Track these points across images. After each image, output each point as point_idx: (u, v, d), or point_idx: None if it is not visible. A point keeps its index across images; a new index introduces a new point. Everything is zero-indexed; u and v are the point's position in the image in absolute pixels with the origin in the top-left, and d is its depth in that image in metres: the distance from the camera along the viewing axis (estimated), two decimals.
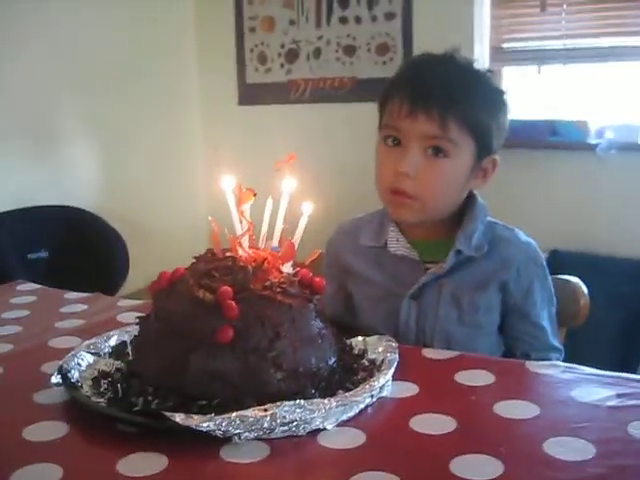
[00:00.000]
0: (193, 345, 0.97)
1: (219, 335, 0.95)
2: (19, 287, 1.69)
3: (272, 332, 0.98)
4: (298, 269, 1.06)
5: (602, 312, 1.60)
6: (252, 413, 0.90)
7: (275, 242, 1.08)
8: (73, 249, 3.02)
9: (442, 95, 1.25)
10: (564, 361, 1.38)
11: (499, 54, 3.32)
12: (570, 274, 1.56)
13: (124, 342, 1.18)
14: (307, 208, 1.07)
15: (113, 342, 1.19)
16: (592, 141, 3.04)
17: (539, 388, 1.08)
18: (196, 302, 0.99)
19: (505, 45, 3.32)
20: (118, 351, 1.16)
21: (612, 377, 1.08)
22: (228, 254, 1.05)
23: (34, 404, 1.04)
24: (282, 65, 3.71)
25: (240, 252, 1.04)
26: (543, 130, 3.11)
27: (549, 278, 1.40)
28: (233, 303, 0.96)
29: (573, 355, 1.43)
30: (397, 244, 1.37)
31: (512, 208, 2.68)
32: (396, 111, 1.28)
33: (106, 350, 1.16)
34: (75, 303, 1.55)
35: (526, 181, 3.08)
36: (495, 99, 1.33)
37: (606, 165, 3.01)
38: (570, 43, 3.20)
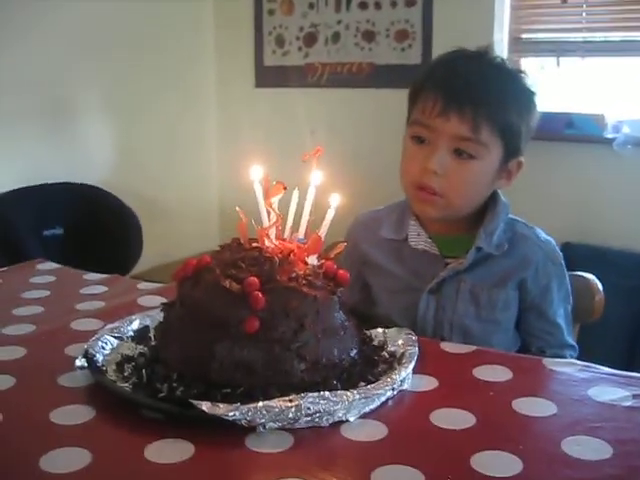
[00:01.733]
0: (219, 334, 0.99)
1: (245, 325, 0.97)
2: (39, 266, 1.70)
3: (297, 323, 0.99)
4: (323, 261, 1.07)
5: (613, 306, 1.61)
6: (277, 404, 0.91)
7: (301, 234, 1.09)
8: (88, 226, 3.04)
9: (476, 97, 1.25)
10: (578, 357, 1.40)
11: (518, 44, 3.31)
12: (582, 267, 1.57)
13: (146, 327, 1.19)
14: (335, 200, 1.08)
15: (135, 326, 1.20)
16: (608, 135, 3.04)
17: (556, 386, 1.09)
18: (222, 292, 0.99)
19: (524, 35, 3.31)
20: (141, 335, 1.17)
21: (627, 377, 1.08)
22: (254, 245, 1.06)
23: (59, 387, 1.05)
24: (300, 48, 3.70)
25: (267, 243, 1.05)
26: (560, 123, 3.10)
27: (567, 276, 1.41)
28: (260, 294, 0.97)
29: (584, 349, 1.44)
30: (418, 238, 1.38)
31: (526, 199, 2.67)
32: (428, 109, 1.28)
33: (129, 334, 1.17)
34: (95, 284, 1.56)
35: (541, 173, 3.07)
36: (527, 100, 1.32)
37: (621, 160, 3.01)
38: (590, 36, 3.19)
